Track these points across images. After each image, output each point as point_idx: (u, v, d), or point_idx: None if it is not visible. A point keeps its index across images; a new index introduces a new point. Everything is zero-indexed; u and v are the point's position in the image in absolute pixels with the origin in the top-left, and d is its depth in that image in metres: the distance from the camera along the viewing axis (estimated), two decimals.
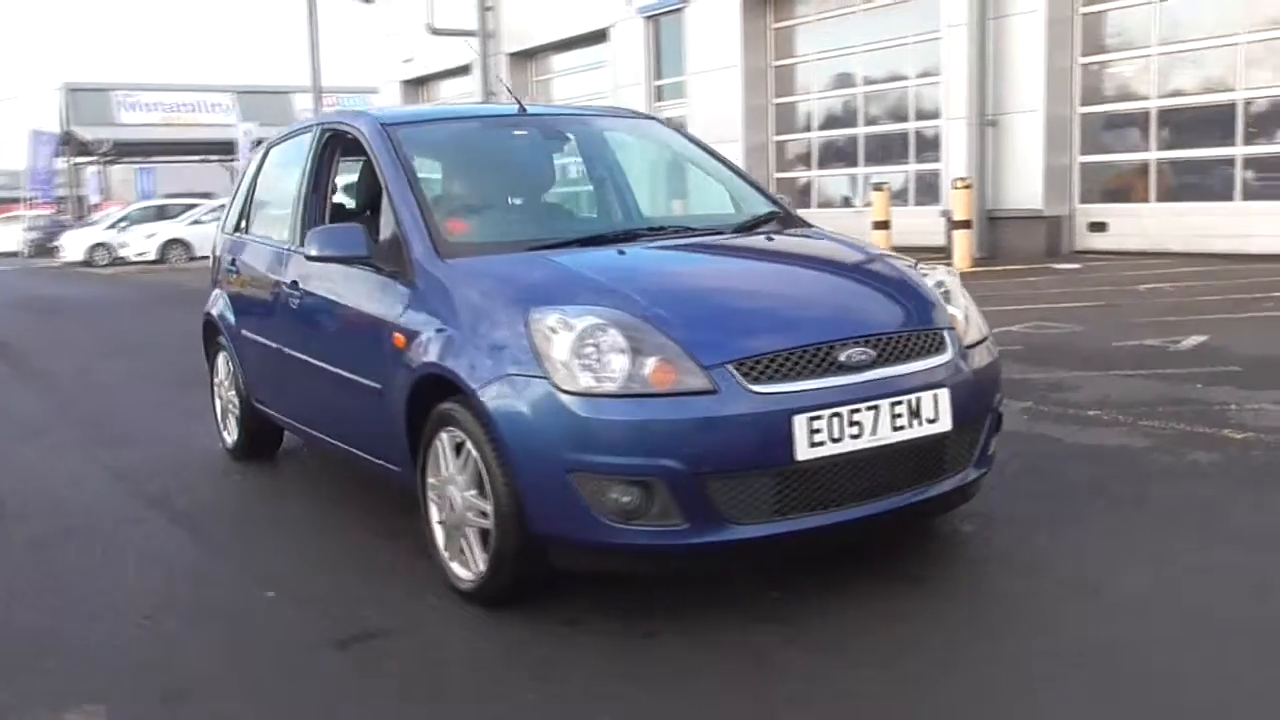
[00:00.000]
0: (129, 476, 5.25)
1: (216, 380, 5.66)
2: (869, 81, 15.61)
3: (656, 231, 3.99)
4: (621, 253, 3.71)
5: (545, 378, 3.07)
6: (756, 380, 3.06)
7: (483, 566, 3.33)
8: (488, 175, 4.37)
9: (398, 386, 3.65)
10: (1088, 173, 12.97)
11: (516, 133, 4.55)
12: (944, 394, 3.28)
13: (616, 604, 3.33)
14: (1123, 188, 12.72)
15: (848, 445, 3.11)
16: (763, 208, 4.36)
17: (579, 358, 3.06)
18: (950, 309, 3.55)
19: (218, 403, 5.67)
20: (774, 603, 3.28)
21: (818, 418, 3.06)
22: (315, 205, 4.60)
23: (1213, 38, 11.67)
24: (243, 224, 5.40)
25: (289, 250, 4.62)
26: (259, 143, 6.58)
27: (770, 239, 4.01)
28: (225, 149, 42.15)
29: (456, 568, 3.48)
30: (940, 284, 3.67)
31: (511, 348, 3.20)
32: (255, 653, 3.21)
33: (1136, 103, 12.45)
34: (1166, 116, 12.16)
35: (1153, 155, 12.26)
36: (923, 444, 3.26)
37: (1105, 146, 12.90)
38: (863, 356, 3.21)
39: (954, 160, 13.51)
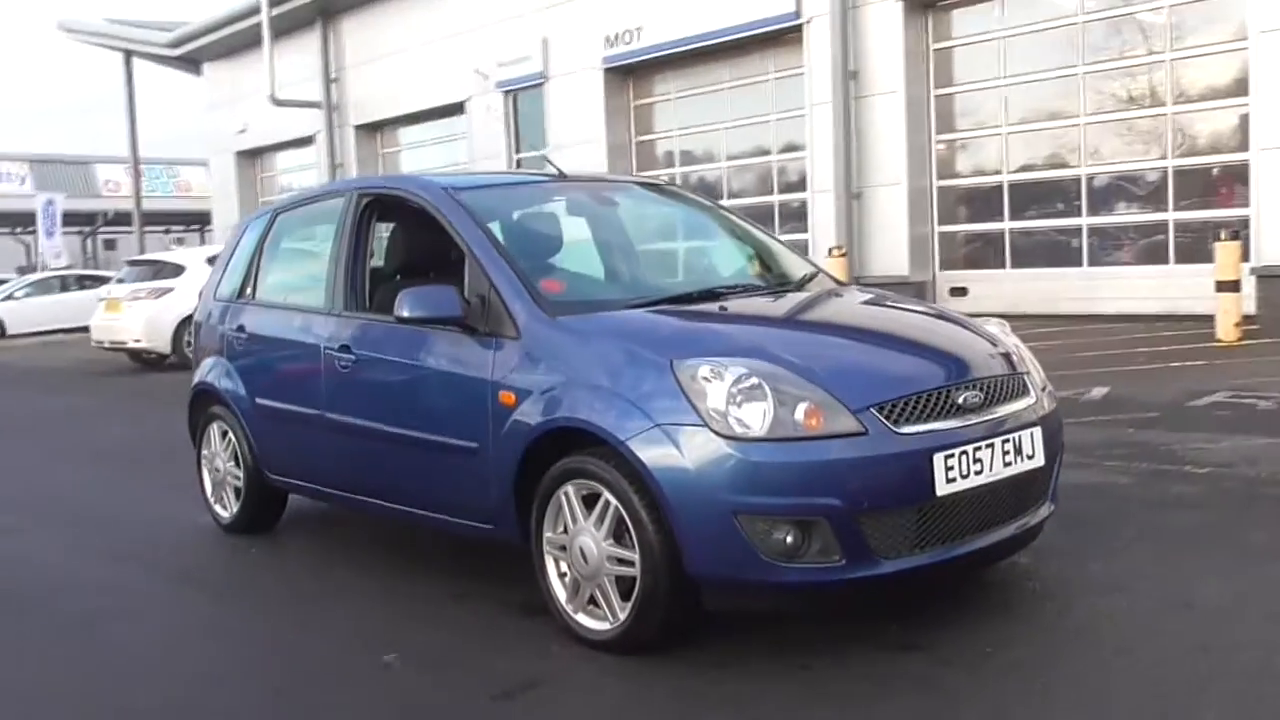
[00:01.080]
0: (136, 557, 5.04)
1: (206, 453, 5.50)
2: (732, 157, 16.31)
3: (732, 290, 4.21)
4: (724, 309, 3.91)
5: (703, 425, 3.23)
6: (896, 422, 3.31)
7: (623, 615, 3.43)
8: (556, 238, 4.49)
9: (506, 444, 3.72)
10: (946, 241, 13.90)
11: (575, 196, 4.70)
12: (1037, 432, 3.61)
13: (756, 644, 3.48)
14: (980, 255, 13.69)
15: (973, 481, 3.38)
16: (804, 266, 4.65)
17: (735, 405, 3.24)
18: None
19: (207, 476, 5.51)
20: (897, 633, 3.50)
21: (951, 455, 3.33)
22: (357, 269, 4.61)
23: (1056, 119, 12.79)
24: (248, 290, 5.31)
25: (332, 314, 4.60)
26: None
27: (839, 294, 4.29)
28: (20, 220, 40.03)
29: (585, 619, 3.56)
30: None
31: (660, 398, 3.34)
32: (420, 712, 3.20)
33: (989, 177, 13.47)
34: (1017, 189, 13.20)
35: (1006, 225, 13.27)
36: (1023, 479, 3.56)
37: (962, 217, 13.87)
38: (976, 399, 3.51)
39: (821, 230, 14.25)
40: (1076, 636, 3.44)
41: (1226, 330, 9.76)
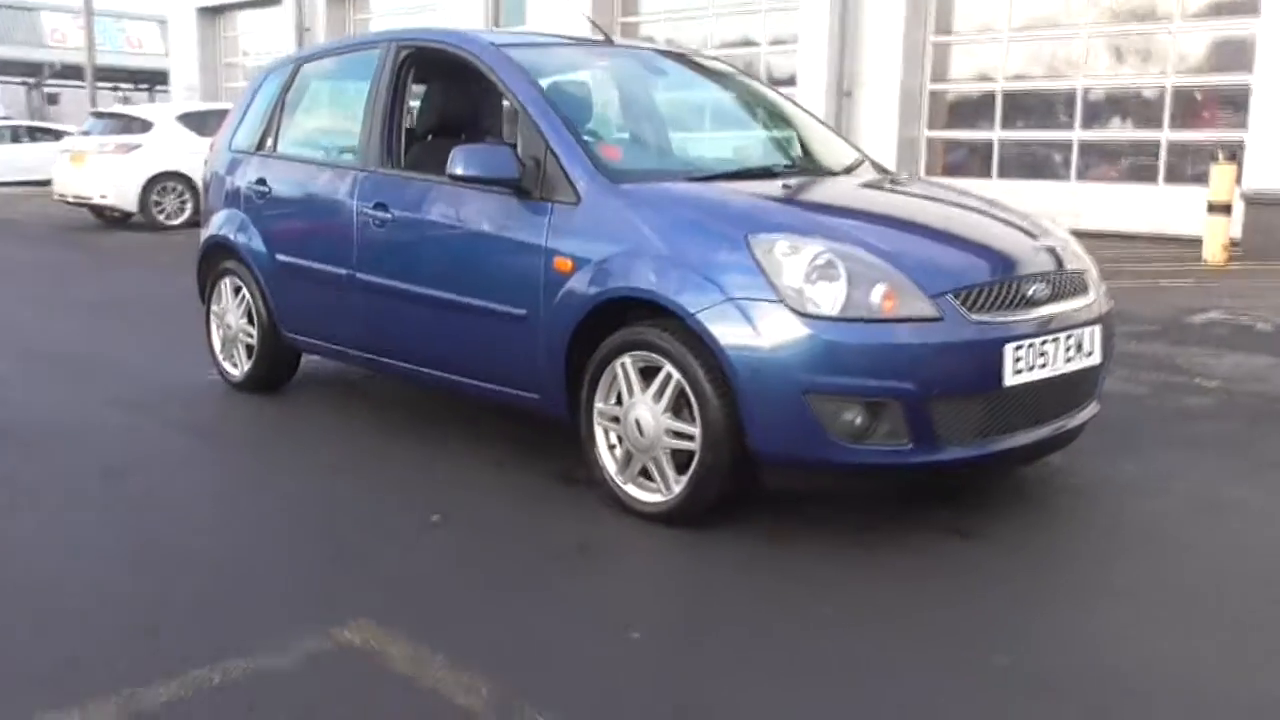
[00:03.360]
0: (151, 410, 4.94)
1: (216, 308, 5.36)
2: (721, 45, 15.99)
3: (789, 169, 4.12)
4: (787, 186, 3.84)
5: (779, 302, 3.19)
6: (971, 310, 3.28)
7: (678, 488, 3.41)
8: (609, 104, 4.36)
9: (559, 312, 3.65)
10: (933, 147, 13.83)
11: (623, 62, 4.55)
12: (1097, 330, 3.61)
13: (806, 521, 3.49)
14: (967, 163, 13.65)
15: (1037, 374, 3.38)
16: (851, 152, 4.58)
17: (811, 283, 3.19)
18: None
19: (217, 332, 5.38)
20: (949, 518, 3.52)
21: (1019, 347, 3.32)
22: (393, 125, 4.46)
23: (1057, 26, 12.65)
24: (268, 143, 5.13)
25: (366, 170, 4.45)
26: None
27: (896, 181, 4.22)
28: None
29: (636, 491, 3.54)
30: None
31: (733, 272, 3.28)
32: (478, 570, 3.19)
33: (983, 84, 13.36)
34: (1011, 98, 13.11)
35: (996, 135, 13.21)
36: (1080, 376, 3.57)
37: (952, 123, 13.78)
38: (1044, 292, 3.49)
39: None
40: (1115, 532, 3.49)
41: (1214, 253, 9.86)
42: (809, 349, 3.16)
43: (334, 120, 5.02)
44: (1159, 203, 11.79)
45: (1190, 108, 11.78)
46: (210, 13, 24.92)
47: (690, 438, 3.37)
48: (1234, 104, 11.30)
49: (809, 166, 4.27)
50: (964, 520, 3.50)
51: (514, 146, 3.88)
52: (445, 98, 4.63)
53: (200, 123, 14.01)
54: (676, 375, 3.36)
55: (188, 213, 13.84)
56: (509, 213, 3.86)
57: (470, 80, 4.28)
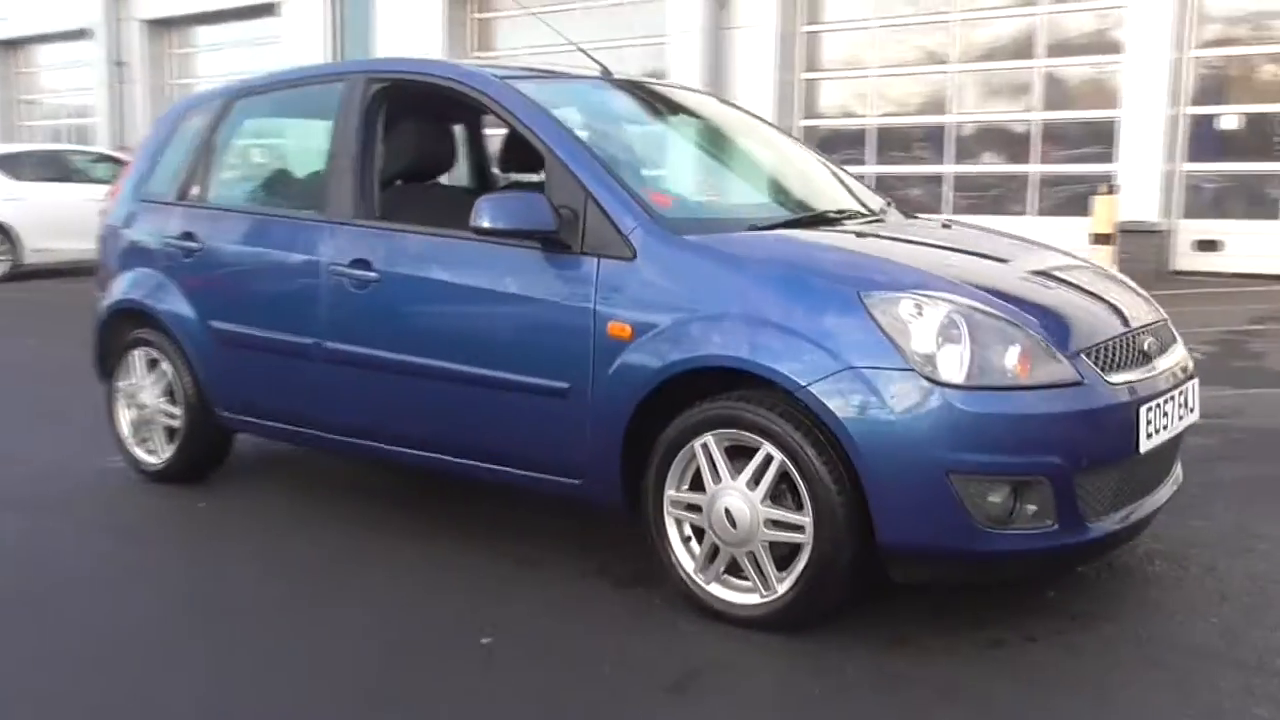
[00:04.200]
0: (56, 510, 4.12)
1: (124, 385, 4.55)
2: None
3: (841, 215, 3.71)
4: (861, 235, 3.42)
5: (909, 370, 2.75)
6: (1105, 370, 2.93)
7: (782, 587, 2.93)
8: (638, 145, 3.85)
9: (615, 385, 3.13)
10: None
11: (629, 100, 4.05)
12: (1195, 384, 3.33)
13: (916, 618, 3.06)
14: None
15: (1161, 436, 3.06)
16: (871, 194, 4.21)
17: (942, 346, 2.78)
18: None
19: (125, 413, 4.57)
20: (1056, 599, 3.16)
21: (1151, 408, 2.99)
22: (367, 170, 3.83)
23: (927, 64, 12.80)
24: (194, 190, 4.39)
25: (335, 223, 3.81)
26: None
27: (949, 226, 3.87)
28: None
29: (723, 592, 3.04)
30: None
31: (849, 336, 2.83)
32: (574, 710, 2.62)
33: (855, 120, 13.40)
34: (884, 133, 13.18)
35: (872, 169, 13.25)
36: (1179, 436, 3.27)
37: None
38: (1155, 346, 3.19)
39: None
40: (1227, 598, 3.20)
41: None
42: (951, 422, 2.73)
43: (284, 164, 4.34)
44: (1033, 234, 11.99)
45: (1060, 142, 12.06)
46: (4, 45, 23.04)
47: (797, 528, 2.90)
48: (1104, 138, 11.60)
49: (856, 212, 3.86)
50: (1077, 601, 3.14)
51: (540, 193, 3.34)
52: (424, 137, 4.03)
53: (13, 164, 12.72)
54: (779, 456, 2.89)
55: (5, 266, 12.47)
56: (540, 270, 3.31)
57: (455, 118, 3.72)
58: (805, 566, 2.89)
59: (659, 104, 4.20)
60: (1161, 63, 10.84)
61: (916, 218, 4.16)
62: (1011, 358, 2.80)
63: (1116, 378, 2.94)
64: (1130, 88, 11.09)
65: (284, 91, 4.35)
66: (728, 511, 2.98)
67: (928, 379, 2.74)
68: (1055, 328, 2.94)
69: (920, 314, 2.81)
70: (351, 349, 3.72)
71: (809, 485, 2.85)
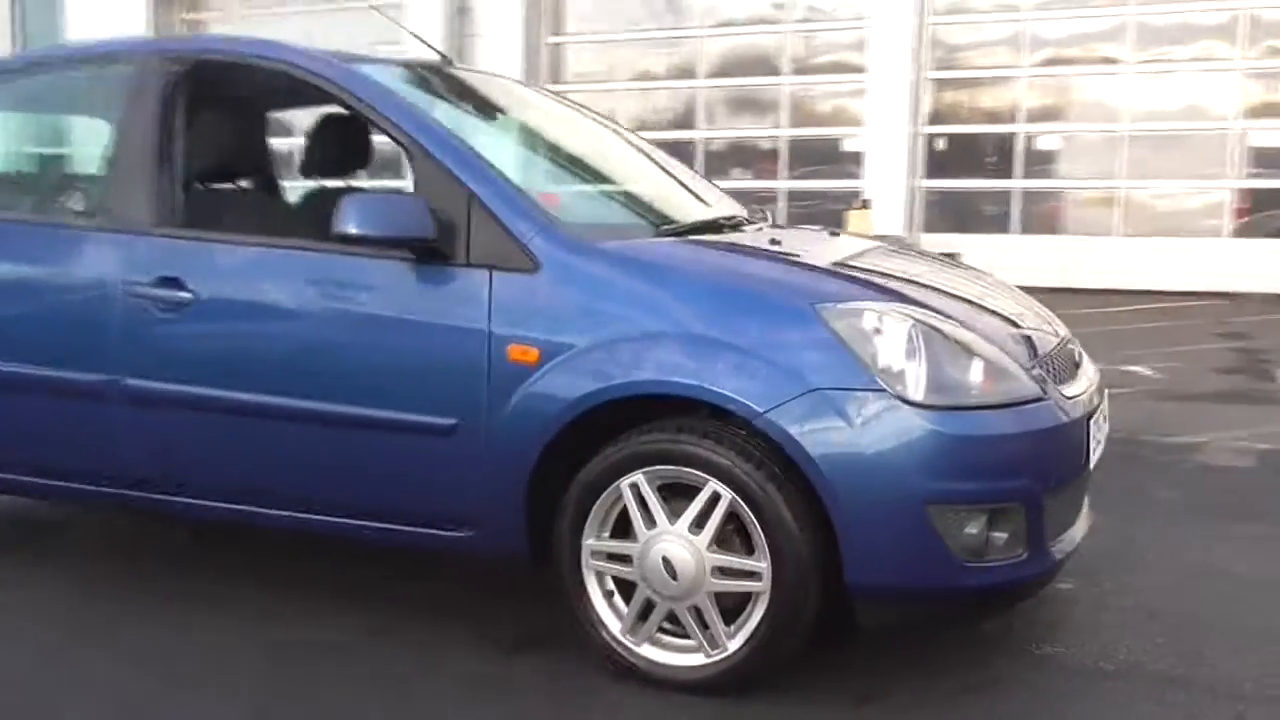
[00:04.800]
0: None
1: None
2: None
3: (730, 222, 3.37)
4: (776, 241, 3.09)
5: (880, 389, 2.45)
6: (1058, 384, 2.74)
7: (734, 644, 2.56)
8: (508, 141, 3.36)
9: (521, 418, 2.66)
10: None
11: (475, 91, 3.54)
12: (1107, 396, 3.22)
13: (878, 669, 2.76)
14: None
15: (1100, 450, 2.92)
16: (731, 201, 3.91)
17: (913, 362, 2.49)
18: None
19: None
20: (1026, 636, 2.96)
21: (1094, 421, 2.84)
22: (168, 170, 3.16)
23: (674, 78, 12.81)
24: None
25: (130, 233, 3.11)
26: None
27: (837, 233, 3.61)
28: None
29: (658, 654, 2.64)
30: None
31: (808, 353, 2.49)
32: None
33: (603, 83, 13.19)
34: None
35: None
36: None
37: None
38: (1080, 356, 3.05)
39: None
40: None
41: None
42: (930, 447, 2.44)
43: (50, 163, 3.56)
44: None
45: (806, 158, 12.35)
46: None
47: (751, 575, 2.53)
48: (847, 156, 11.96)
49: (741, 218, 3.53)
50: (1048, 637, 2.95)
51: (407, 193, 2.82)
52: (242, 130, 3.39)
53: None
54: (728, 494, 2.51)
55: None
56: (414, 286, 2.79)
57: (272, 108, 3.13)
58: (762, 618, 2.53)
59: (507, 97, 3.74)
60: (901, 84, 11.30)
61: (792, 226, 3.90)
62: (976, 373, 2.55)
63: (1068, 391, 2.76)
64: (873, 107, 11.49)
65: (45, 76, 3.57)
66: (666, 561, 2.57)
67: (900, 399, 2.45)
68: (1008, 341, 2.73)
69: (885, 327, 2.52)
70: (163, 387, 3.04)
71: (764, 526, 2.49)
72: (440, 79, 3.53)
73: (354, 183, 3.56)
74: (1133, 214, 11.15)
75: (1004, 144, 11.63)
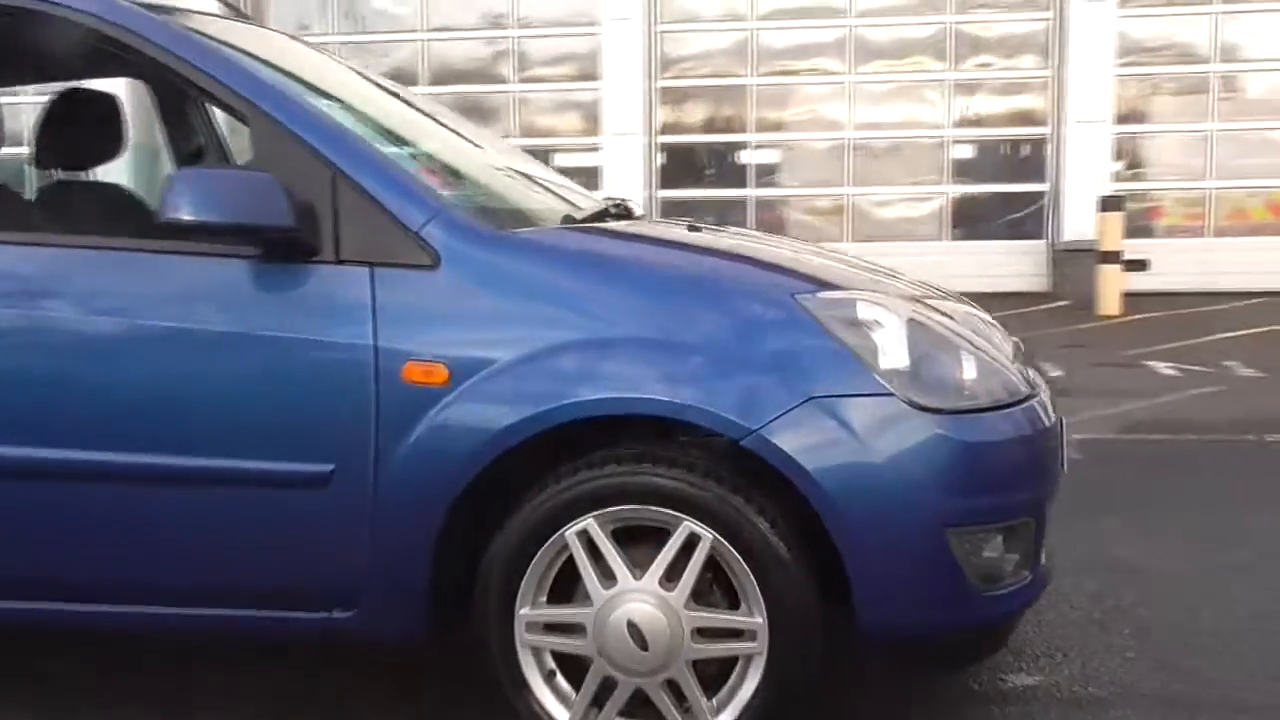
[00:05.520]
0: None
1: None
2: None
3: (621, 209, 2.84)
4: (696, 228, 2.60)
5: (888, 394, 2.03)
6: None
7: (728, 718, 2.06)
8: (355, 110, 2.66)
9: (429, 456, 2.06)
10: None
11: (281, 51, 2.81)
12: None
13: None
14: None
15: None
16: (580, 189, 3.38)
17: (918, 360, 2.09)
18: None
19: None
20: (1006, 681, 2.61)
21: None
22: None
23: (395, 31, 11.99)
24: None
25: None
26: None
27: (697, 228, 3.13)
28: None
29: None
30: None
31: (800, 355, 2.04)
32: None
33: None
34: None
35: None
36: None
37: None
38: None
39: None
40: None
41: None
42: (946, 460, 2.04)
43: None
44: None
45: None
46: None
47: (742, 634, 2.04)
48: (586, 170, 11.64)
49: (624, 205, 2.99)
50: (1012, 665, 2.62)
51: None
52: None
53: None
54: (708, 535, 2.01)
55: None
56: (266, 292, 2.12)
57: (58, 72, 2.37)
58: (759, 686, 2.04)
59: (338, 64, 3.05)
60: (634, 93, 11.12)
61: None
62: (970, 371, 2.18)
63: (1041, 387, 2.44)
64: (609, 116, 11.25)
65: None
66: (633, 627, 2.03)
67: (911, 404, 2.04)
68: (986, 334, 2.39)
69: (880, 319, 2.10)
70: None
71: (757, 570, 2.01)
72: (249, 37, 2.81)
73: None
74: (859, 221, 11.46)
75: (731, 153, 11.69)
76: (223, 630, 2.23)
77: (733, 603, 2.07)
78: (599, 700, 2.09)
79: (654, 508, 2.03)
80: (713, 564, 2.05)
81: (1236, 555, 3.33)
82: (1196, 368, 6.74)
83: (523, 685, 2.10)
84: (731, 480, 2.02)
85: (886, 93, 11.30)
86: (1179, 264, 10.10)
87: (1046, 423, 2.26)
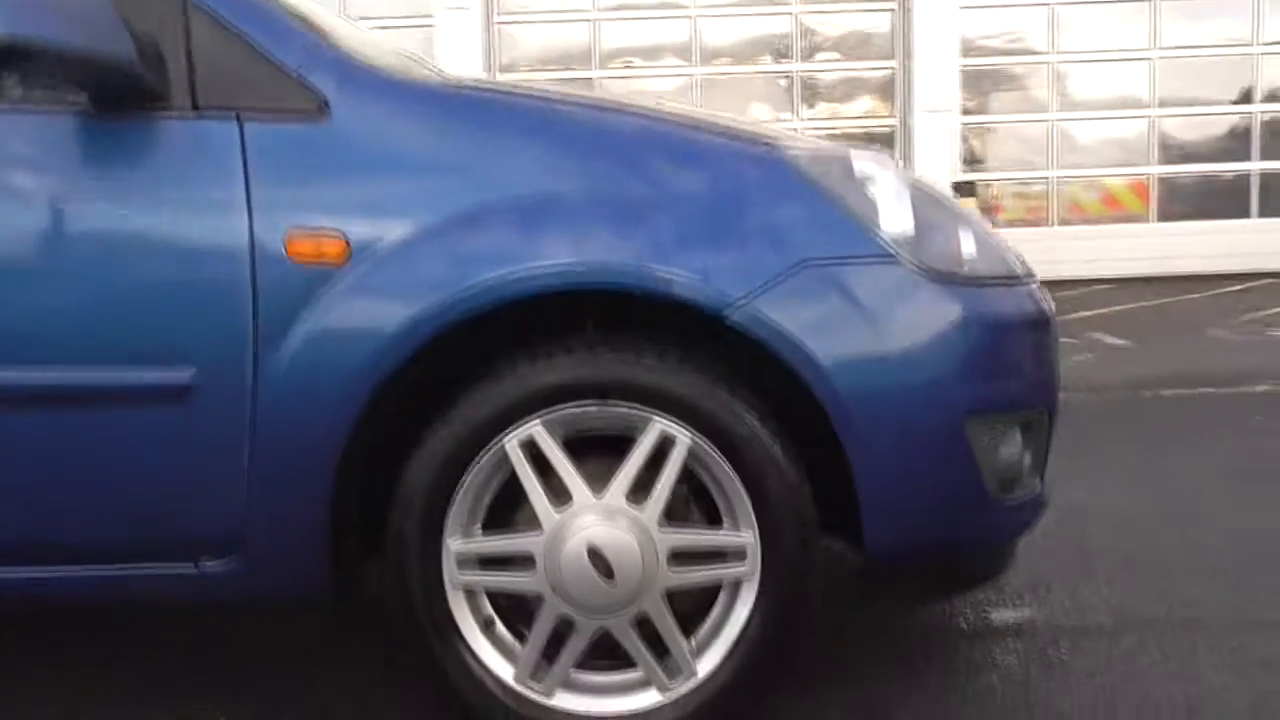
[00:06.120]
0: None
1: None
2: None
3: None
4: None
5: (892, 257, 1.68)
6: None
7: (707, 664, 1.67)
8: None
9: (324, 355, 1.61)
10: None
11: None
12: None
13: (867, 669, 1.98)
14: None
15: None
16: None
17: (923, 224, 1.75)
18: None
19: None
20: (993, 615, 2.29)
21: None
22: None
23: None
24: None
25: None
26: None
27: None
28: None
29: (582, 702, 1.68)
30: None
31: (785, 213, 1.68)
32: None
33: None
34: None
35: None
36: None
37: None
38: None
39: None
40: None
41: None
42: (969, 336, 1.70)
43: None
44: None
45: None
46: None
47: (729, 556, 1.66)
48: None
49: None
50: (996, 600, 2.31)
51: None
52: None
53: None
54: (685, 436, 1.62)
55: None
56: (101, 150, 1.64)
57: None
58: (749, 620, 1.66)
59: None
60: None
61: None
62: (970, 240, 1.85)
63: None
64: None
65: None
66: (595, 553, 1.62)
67: (921, 270, 1.69)
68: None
69: (875, 176, 1.76)
70: None
71: (747, 476, 1.63)
72: None
73: None
74: None
75: None
76: (51, 594, 1.71)
77: (714, 520, 1.69)
78: (550, 650, 1.67)
79: (617, 405, 1.63)
80: (685, 477, 1.67)
81: (1180, 490, 3.13)
82: (1067, 339, 6.71)
83: (453, 637, 1.66)
84: (712, 369, 1.64)
85: (733, 86, 11.16)
86: (1024, 252, 10.22)
87: (1051, 307, 1.96)
